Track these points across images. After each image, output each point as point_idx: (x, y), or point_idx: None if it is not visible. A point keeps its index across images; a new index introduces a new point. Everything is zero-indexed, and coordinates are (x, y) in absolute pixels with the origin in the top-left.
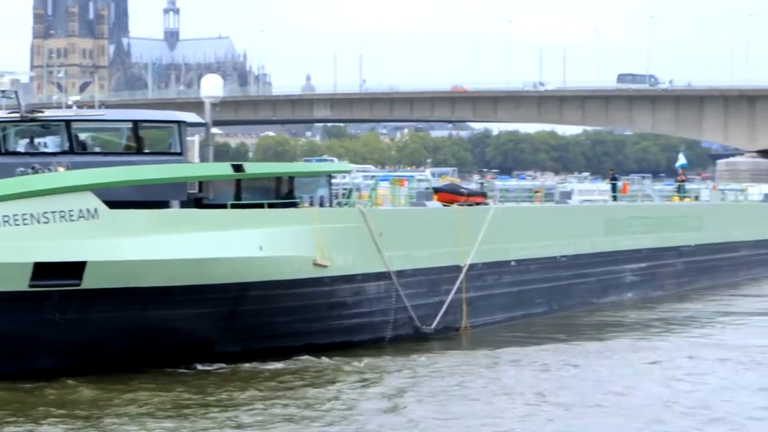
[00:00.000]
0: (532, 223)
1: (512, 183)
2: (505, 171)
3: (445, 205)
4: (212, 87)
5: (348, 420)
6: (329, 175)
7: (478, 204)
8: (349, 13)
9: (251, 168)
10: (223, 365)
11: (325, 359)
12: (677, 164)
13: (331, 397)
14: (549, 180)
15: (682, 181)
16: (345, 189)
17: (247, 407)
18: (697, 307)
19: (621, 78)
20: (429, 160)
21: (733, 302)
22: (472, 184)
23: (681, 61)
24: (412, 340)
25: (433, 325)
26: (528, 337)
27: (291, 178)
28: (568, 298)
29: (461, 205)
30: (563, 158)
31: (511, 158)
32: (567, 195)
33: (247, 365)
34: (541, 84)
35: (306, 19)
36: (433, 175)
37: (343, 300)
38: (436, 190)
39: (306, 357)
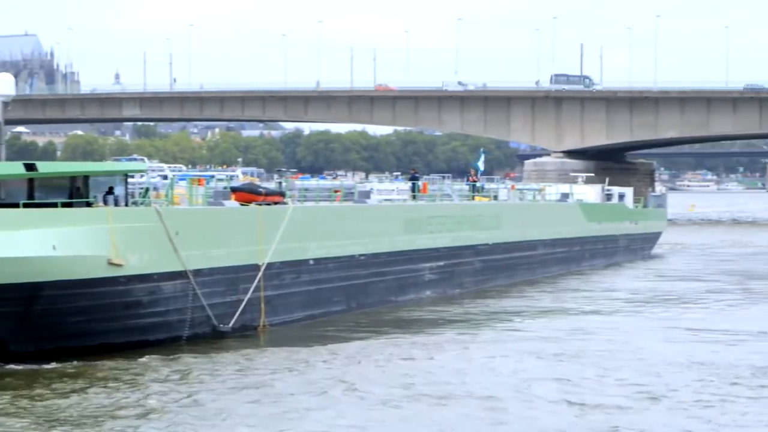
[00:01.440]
0: (330, 223)
1: (312, 183)
2: (317, 171)
3: (242, 205)
4: (2, 85)
5: (109, 422)
6: (125, 175)
7: (276, 203)
8: (158, 11)
9: (44, 167)
10: (14, 366)
11: (108, 361)
12: (474, 164)
13: (96, 400)
14: (351, 180)
15: (474, 181)
16: (141, 188)
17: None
18: (493, 303)
19: (555, 79)
20: (240, 160)
21: (531, 299)
22: (272, 183)
23: (489, 63)
24: (209, 338)
25: (231, 324)
26: (325, 335)
27: (86, 178)
28: (366, 296)
29: (259, 204)
30: (374, 158)
31: (323, 158)
32: (366, 194)
33: (34, 366)
34: (461, 83)
35: (114, 16)
36: (244, 174)
37: (138, 299)
38: (234, 190)
39: (95, 357)
